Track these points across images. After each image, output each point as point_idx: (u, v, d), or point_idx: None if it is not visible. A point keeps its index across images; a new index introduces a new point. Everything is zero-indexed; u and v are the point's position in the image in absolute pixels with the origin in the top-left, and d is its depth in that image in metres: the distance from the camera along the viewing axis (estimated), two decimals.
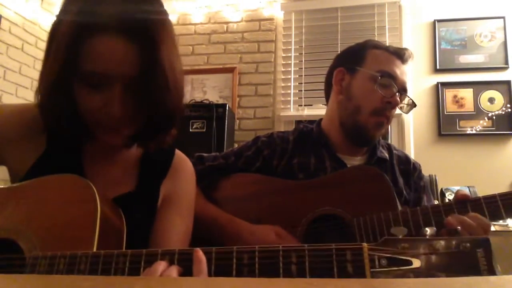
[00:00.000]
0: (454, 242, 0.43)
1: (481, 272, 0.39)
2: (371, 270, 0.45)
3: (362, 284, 0.42)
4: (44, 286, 0.53)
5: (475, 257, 0.41)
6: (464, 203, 0.93)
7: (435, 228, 0.48)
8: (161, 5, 0.78)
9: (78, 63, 0.70)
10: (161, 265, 0.61)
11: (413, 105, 1.26)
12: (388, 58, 1.20)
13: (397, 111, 1.21)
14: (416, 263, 0.43)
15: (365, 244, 0.47)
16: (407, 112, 1.29)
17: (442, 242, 0.44)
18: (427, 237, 0.47)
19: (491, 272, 0.38)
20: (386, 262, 0.45)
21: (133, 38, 0.70)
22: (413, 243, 0.46)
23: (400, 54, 1.21)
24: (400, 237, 0.47)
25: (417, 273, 0.42)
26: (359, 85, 1.21)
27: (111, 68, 0.71)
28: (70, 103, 0.75)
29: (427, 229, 0.47)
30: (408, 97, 1.24)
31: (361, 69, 1.21)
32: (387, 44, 1.30)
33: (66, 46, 0.70)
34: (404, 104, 1.25)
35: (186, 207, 0.98)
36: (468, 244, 0.42)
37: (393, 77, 1.17)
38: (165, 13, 0.78)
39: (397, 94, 1.16)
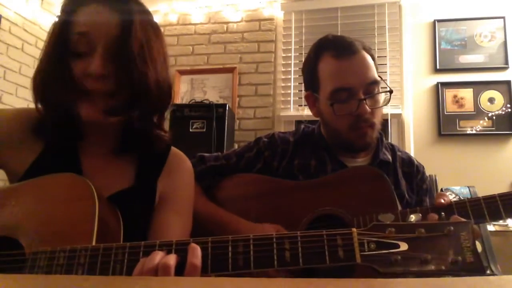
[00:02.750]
0: (438, 226, 0.44)
1: (464, 253, 0.40)
2: (361, 253, 0.46)
3: (362, 284, 0.43)
4: (44, 286, 0.53)
5: (458, 239, 0.42)
6: (462, 203, 0.94)
7: (420, 215, 0.49)
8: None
9: (70, 30, 0.83)
10: (158, 255, 0.61)
11: (389, 92, 1.17)
12: (336, 68, 1.13)
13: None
14: (403, 246, 0.44)
15: (354, 229, 0.49)
16: (386, 104, 1.20)
17: (428, 226, 0.45)
18: (413, 222, 0.48)
19: (475, 252, 0.39)
20: (374, 246, 0.46)
21: (116, 8, 0.85)
22: (400, 228, 0.47)
23: (349, 51, 1.13)
24: (388, 222, 0.48)
25: (404, 255, 0.43)
26: (324, 111, 1.19)
27: (95, 27, 0.83)
28: (66, 77, 0.83)
29: (412, 215, 0.49)
30: (377, 93, 1.14)
31: (319, 96, 1.19)
32: (345, 42, 1.17)
33: (63, 11, 0.86)
34: (380, 96, 1.15)
35: (183, 205, 0.98)
36: (452, 228, 0.43)
37: (347, 88, 1.11)
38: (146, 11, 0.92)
39: (363, 101, 1.10)
